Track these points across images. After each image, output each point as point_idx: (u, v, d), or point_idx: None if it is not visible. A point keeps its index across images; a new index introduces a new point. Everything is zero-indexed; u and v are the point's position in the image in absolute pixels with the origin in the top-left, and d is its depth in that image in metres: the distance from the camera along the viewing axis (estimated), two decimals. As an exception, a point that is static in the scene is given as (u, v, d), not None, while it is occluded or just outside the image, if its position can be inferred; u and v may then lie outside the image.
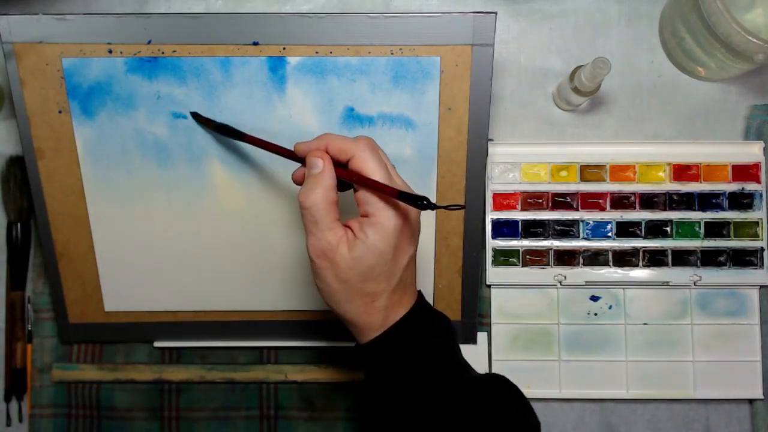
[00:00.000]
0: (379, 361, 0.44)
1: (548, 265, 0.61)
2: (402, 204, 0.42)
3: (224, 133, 0.54)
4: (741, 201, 0.61)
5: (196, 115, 0.55)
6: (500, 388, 0.47)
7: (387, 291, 0.43)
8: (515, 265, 0.61)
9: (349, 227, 0.43)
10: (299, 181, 0.46)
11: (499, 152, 0.61)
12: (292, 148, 0.46)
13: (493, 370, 0.61)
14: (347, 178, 0.43)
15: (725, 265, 0.61)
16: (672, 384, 0.62)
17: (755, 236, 0.61)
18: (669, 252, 0.61)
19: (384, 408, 0.45)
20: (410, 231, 0.44)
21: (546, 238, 0.61)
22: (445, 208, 0.40)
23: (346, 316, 0.44)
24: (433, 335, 0.45)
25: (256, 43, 0.54)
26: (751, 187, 0.61)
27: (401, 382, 0.44)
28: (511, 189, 0.61)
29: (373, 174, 0.42)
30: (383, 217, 0.42)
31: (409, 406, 0.43)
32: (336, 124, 0.55)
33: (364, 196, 0.42)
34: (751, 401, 0.62)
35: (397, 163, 0.56)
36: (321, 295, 0.44)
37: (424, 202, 0.40)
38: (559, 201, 0.61)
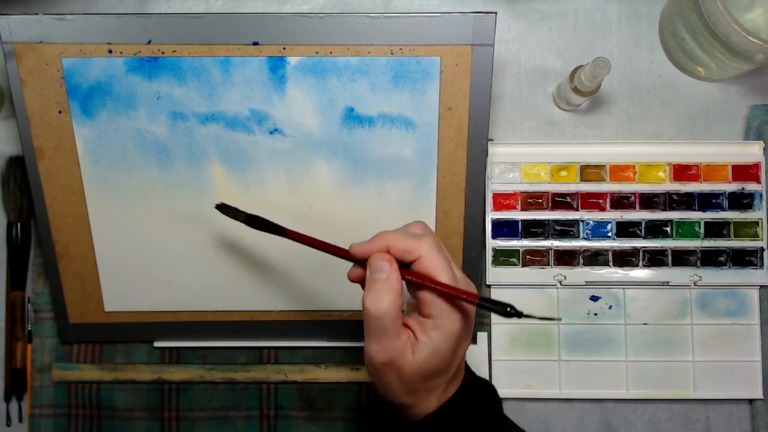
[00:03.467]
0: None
1: (548, 265, 0.61)
2: (464, 306, 0.41)
3: (257, 226, 0.49)
4: (741, 201, 0.61)
5: (222, 207, 0.52)
6: None
7: (445, 381, 0.43)
8: (515, 265, 0.61)
9: (408, 327, 0.42)
10: (357, 280, 0.44)
11: (499, 152, 0.61)
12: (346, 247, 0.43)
13: (494, 371, 0.61)
14: (415, 281, 0.41)
15: (725, 265, 0.61)
16: (672, 384, 0.62)
17: (755, 236, 0.61)
18: (669, 252, 0.61)
19: None
20: (469, 327, 0.43)
21: (546, 238, 0.61)
22: (539, 318, 0.39)
23: (403, 404, 0.44)
24: (482, 402, 0.45)
25: (256, 43, 0.54)
26: (751, 187, 0.61)
27: None
28: (511, 189, 0.61)
29: (442, 276, 0.40)
30: (447, 320, 0.41)
31: None
32: (336, 125, 0.55)
33: (430, 298, 0.41)
34: (751, 401, 0.62)
35: (397, 164, 0.57)
36: (377, 387, 0.44)
37: (509, 310, 0.39)
38: (559, 201, 0.61)
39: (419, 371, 0.41)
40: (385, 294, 0.40)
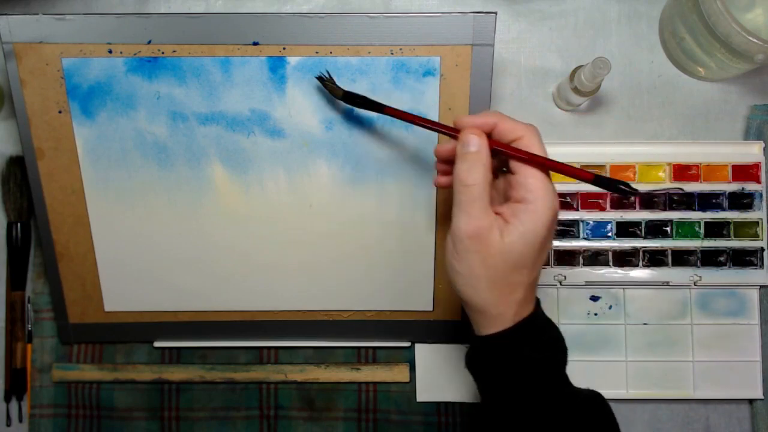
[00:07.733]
0: (501, 353, 0.42)
1: (548, 265, 0.61)
2: (556, 196, 0.41)
3: (356, 103, 0.52)
4: (741, 201, 0.61)
5: (321, 79, 0.53)
6: (595, 406, 0.45)
7: (525, 285, 0.42)
8: (515, 265, 0.61)
9: (497, 213, 0.41)
10: (443, 156, 0.45)
11: (499, 152, 0.61)
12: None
13: (493, 370, 0.61)
14: (522, 156, 0.41)
15: (725, 265, 0.61)
16: (672, 384, 0.62)
17: (755, 236, 0.61)
18: (669, 252, 0.61)
19: (490, 399, 0.44)
20: (555, 226, 0.42)
21: (546, 238, 0.61)
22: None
23: (480, 304, 0.42)
24: (552, 342, 0.44)
25: (256, 43, 0.54)
26: (751, 187, 0.61)
27: (514, 378, 0.42)
28: (511, 189, 0.61)
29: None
30: (541, 205, 0.40)
31: (512, 403, 0.43)
32: (336, 125, 0.55)
33: (524, 181, 0.41)
34: (751, 401, 0.62)
35: (398, 163, 0.56)
36: (455, 279, 0.42)
37: (620, 186, 0.39)
38: (559, 201, 0.61)
39: (504, 254, 0.40)
40: (478, 165, 0.41)
